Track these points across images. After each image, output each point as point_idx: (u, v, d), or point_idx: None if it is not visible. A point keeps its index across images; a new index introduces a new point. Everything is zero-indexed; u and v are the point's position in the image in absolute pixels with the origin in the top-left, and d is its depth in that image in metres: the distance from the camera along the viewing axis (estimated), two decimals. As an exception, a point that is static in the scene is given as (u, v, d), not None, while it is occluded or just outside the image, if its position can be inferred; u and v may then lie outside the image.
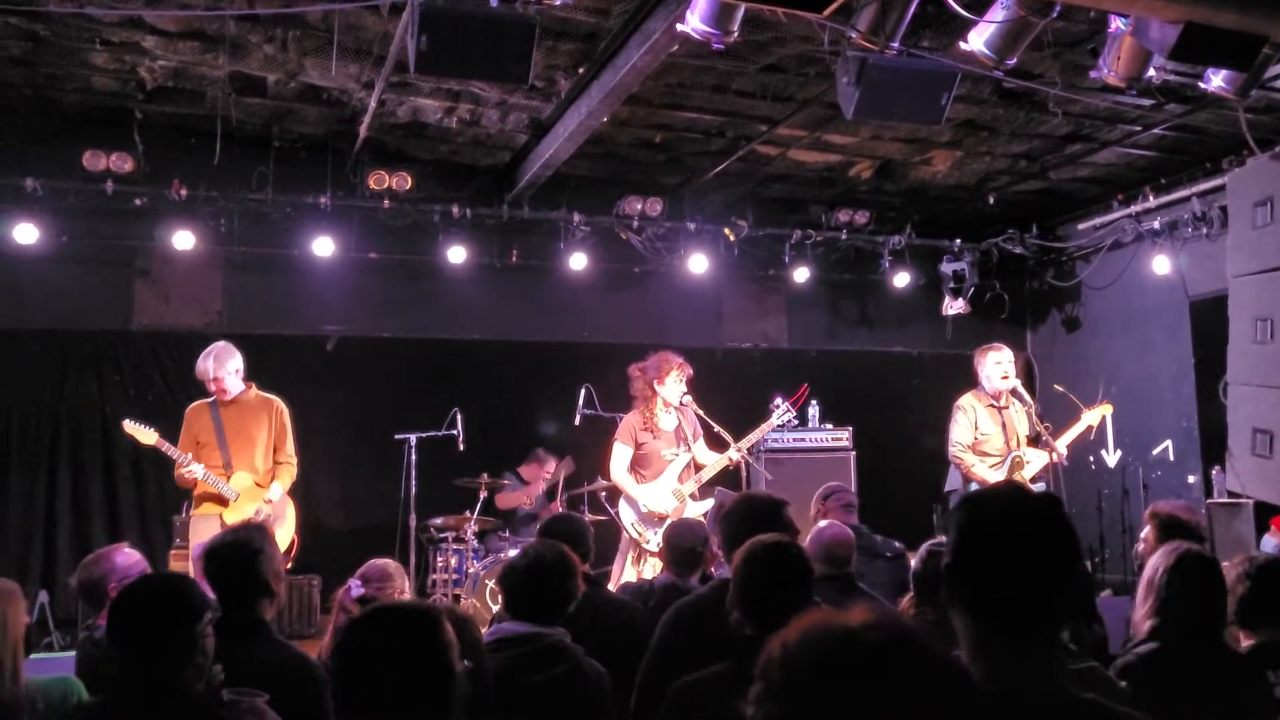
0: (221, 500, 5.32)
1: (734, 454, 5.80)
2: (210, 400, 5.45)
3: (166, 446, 5.28)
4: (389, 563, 3.53)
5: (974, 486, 5.57)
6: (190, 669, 2.19)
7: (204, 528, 5.24)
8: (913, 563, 3.34)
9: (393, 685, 1.79)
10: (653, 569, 5.61)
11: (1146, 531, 3.53)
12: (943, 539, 3.09)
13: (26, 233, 6.37)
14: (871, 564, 4.34)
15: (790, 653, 1.11)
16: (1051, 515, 1.48)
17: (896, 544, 4.88)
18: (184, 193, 6.58)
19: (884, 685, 1.07)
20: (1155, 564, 2.70)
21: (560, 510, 6.63)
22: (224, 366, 5.37)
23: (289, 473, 5.55)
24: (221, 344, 5.49)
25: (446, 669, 1.84)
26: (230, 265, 7.20)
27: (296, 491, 7.18)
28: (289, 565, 4.96)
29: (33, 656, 2.97)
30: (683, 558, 3.94)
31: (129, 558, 3.48)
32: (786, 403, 6.20)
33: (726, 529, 3.23)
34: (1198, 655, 2.47)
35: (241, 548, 2.87)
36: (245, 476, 5.37)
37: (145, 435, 5.30)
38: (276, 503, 5.43)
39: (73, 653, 3.76)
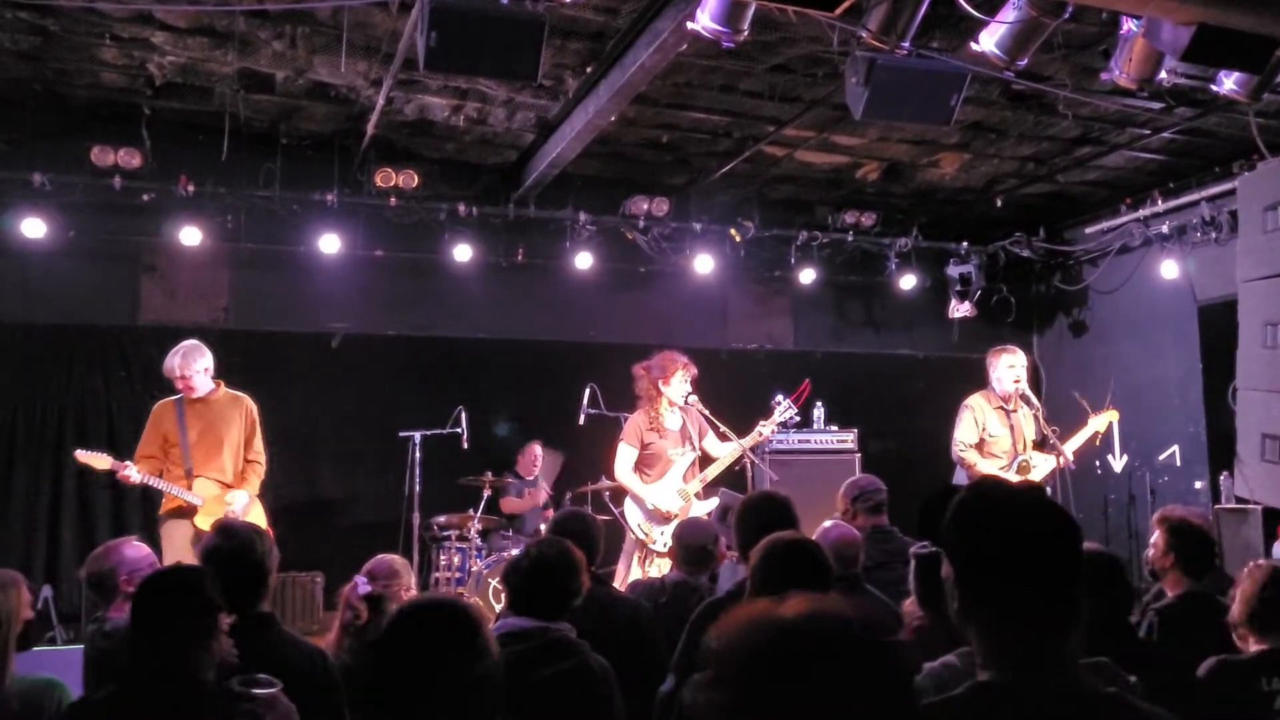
0: (189, 508, 5.16)
1: (740, 446, 5.80)
2: (177, 398, 5.32)
3: (126, 468, 5.08)
4: (396, 559, 3.54)
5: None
6: (204, 657, 2.23)
7: (176, 534, 5.14)
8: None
9: (437, 676, 1.85)
10: (658, 570, 5.60)
11: (1156, 537, 3.49)
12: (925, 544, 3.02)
13: (34, 227, 6.37)
14: (903, 570, 4.08)
15: (733, 645, 1.14)
16: (1039, 504, 1.45)
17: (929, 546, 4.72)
18: (191, 189, 6.59)
19: (823, 674, 1.09)
20: None
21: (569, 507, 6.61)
22: (192, 364, 5.24)
23: (257, 471, 5.43)
24: (191, 342, 5.38)
25: (483, 655, 1.89)
26: (237, 262, 7.20)
27: (297, 487, 7.28)
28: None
29: (36, 649, 2.97)
30: (694, 556, 3.97)
31: (138, 550, 3.47)
32: (788, 400, 6.19)
33: (743, 526, 3.22)
34: None
35: (245, 545, 2.88)
36: (207, 484, 5.19)
37: (99, 462, 5.11)
38: (245, 505, 5.26)
39: (78, 646, 3.76)
